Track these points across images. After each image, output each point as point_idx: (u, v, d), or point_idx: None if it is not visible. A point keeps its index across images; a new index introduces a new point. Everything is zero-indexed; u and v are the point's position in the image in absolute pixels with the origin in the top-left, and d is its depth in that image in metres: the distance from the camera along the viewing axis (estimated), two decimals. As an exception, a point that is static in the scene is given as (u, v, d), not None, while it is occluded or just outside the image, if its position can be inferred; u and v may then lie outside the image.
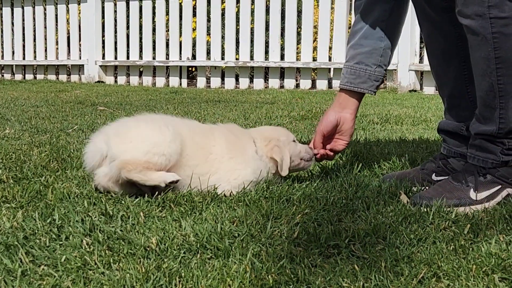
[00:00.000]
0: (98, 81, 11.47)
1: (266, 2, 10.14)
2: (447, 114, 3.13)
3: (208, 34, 10.68)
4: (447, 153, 3.11)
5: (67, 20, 12.11)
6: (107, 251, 2.06)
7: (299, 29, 10.16)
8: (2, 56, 13.20)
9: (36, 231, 2.26)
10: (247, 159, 2.93)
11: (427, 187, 2.95)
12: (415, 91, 8.94)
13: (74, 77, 12.00)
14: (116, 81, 11.60)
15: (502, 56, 2.54)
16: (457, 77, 3.02)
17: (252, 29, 10.29)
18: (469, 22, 2.56)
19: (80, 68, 11.92)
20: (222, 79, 10.72)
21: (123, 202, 2.63)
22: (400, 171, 3.17)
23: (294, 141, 3.07)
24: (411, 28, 8.58)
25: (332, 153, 3.11)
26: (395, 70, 9.09)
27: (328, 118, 3.04)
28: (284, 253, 2.06)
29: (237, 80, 10.64)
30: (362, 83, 3.01)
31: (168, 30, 11.03)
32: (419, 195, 2.67)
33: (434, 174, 3.09)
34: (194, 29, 10.87)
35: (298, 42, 10.07)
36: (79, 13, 11.87)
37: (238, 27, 10.41)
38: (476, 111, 2.73)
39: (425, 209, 2.51)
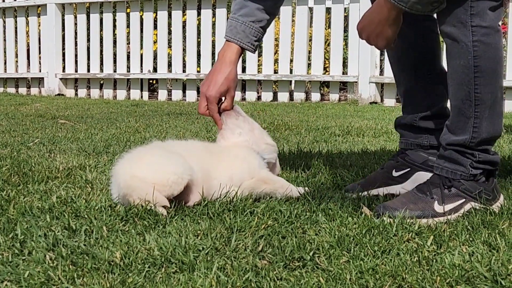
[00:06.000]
0: (58, 94, 11.35)
1: (227, 15, 10.14)
2: (404, 111, 3.22)
3: (169, 46, 10.65)
4: (405, 146, 3.18)
5: (27, 33, 11.99)
6: (70, 266, 2.05)
7: (260, 42, 10.16)
8: (-39, 69, 13.03)
9: (-2, 246, 2.24)
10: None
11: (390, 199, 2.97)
12: (376, 103, 9.00)
13: (34, 90, 11.86)
14: (76, 94, 11.50)
15: (481, 65, 2.59)
16: (410, 73, 3.12)
17: (213, 42, 10.28)
18: (450, 29, 2.60)
19: (40, 81, 11.78)
20: (184, 92, 10.68)
21: (86, 216, 2.61)
22: (363, 180, 3.20)
23: None
24: (371, 40, 8.61)
25: None
26: (356, 82, 9.14)
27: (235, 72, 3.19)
28: (249, 266, 2.06)
29: (198, 92, 10.62)
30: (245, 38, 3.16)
31: (129, 42, 10.98)
32: (383, 205, 2.69)
33: (394, 170, 3.14)
34: (155, 42, 10.83)
35: (260, 54, 10.07)
36: (39, 25, 11.75)
37: (199, 39, 10.40)
38: (447, 122, 2.77)
39: (389, 221, 2.53)
